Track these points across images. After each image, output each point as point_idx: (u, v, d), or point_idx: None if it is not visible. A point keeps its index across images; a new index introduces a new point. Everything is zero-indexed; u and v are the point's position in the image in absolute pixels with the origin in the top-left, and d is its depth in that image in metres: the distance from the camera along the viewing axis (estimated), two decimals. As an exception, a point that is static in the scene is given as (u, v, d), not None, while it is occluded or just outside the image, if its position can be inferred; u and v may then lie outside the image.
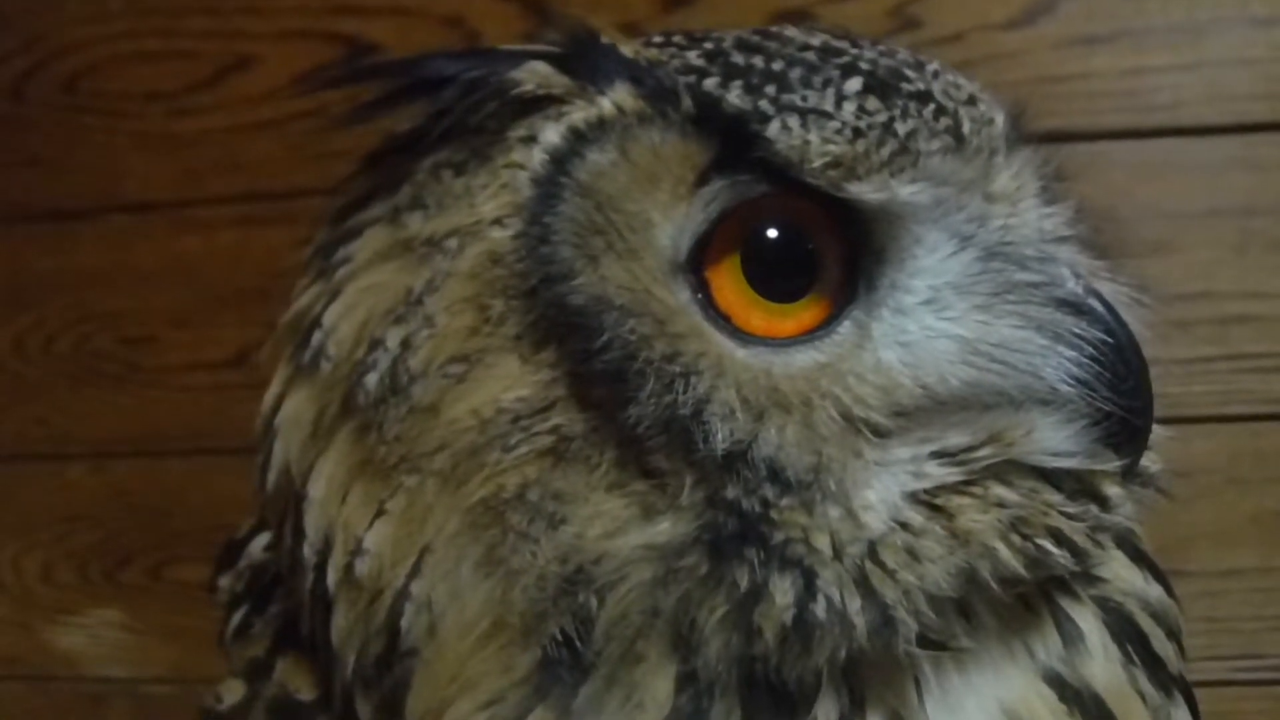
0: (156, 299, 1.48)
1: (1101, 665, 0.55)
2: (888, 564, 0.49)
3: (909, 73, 0.52)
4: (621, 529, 0.50)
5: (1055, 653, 0.54)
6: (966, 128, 0.52)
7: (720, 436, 0.49)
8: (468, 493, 0.51)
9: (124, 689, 1.51)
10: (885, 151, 0.50)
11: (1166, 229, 1.24)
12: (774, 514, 0.49)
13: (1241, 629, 1.25)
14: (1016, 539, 0.50)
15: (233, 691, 0.62)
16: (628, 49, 0.54)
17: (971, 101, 0.53)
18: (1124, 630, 0.56)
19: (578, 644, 0.50)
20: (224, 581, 0.70)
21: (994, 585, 0.50)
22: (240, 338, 1.43)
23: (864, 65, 0.52)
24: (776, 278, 0.51)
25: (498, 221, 0.52)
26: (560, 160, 0.51)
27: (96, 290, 1.50)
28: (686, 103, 0.51)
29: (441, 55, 0.55)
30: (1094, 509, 0.52)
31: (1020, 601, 0.54)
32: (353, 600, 0.53)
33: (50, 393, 1.52)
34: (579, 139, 0.51)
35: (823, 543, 0.49)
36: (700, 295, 0.51)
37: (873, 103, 0.51)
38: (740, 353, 0.50)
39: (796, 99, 0.50)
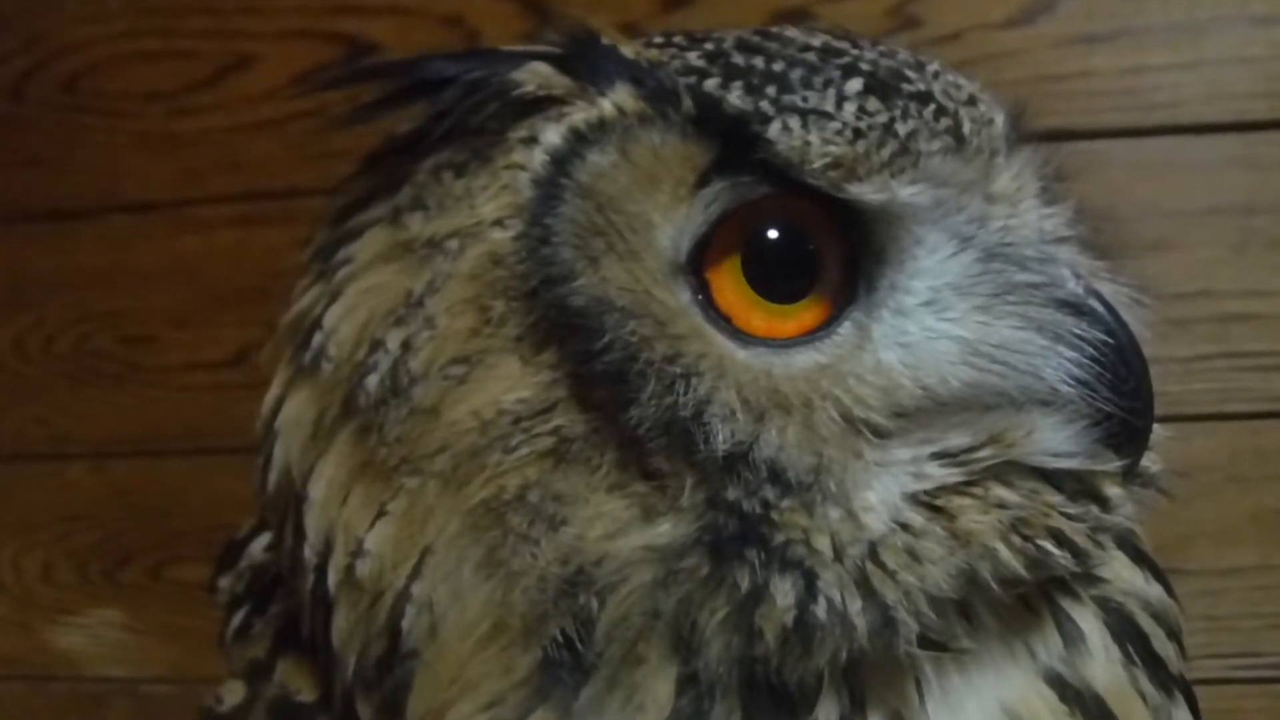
0: (156, 299, 1.48)
1: (1102, 665, 0.55)
2: (888, 565, 0.49)
3: (909, 73, 0.52)
4: (622, 530, 0.50)
5: (1056, 653, 0.54)
6: (967, 128, 0.52)
7: (721, 438, 0.49)
8: (469, 494, 0.51)
9: (124, 689, 1.51)
10: (886, 152, 0.50)
11: (1166, 227, 1.24)
12: (775, 515, 0.49)
13: (1241, 627, 1.25)
14: (1017, 540, 0.50)
15: (233, 692, 0.62)
16: (628, 50, 0.54)
17: (972, 102, 0.53)
18: (1125, 630, 0.56)
19: (578, 645, 0.50)
20: (224, 582, 0.70)
21: (995, 586, 0.50)
22: (240, 338, 1.43)
23: (865, 66, 0.52)
24: (777, 279, 0.51)
25: (498, 223, 0.52)
26: (561, 161, 0.51)
27: (96, 290, 1.50)
28: (687, 104, 0.51)
29: (442, 56, 0.55)
30: (1095, 510, 0.52)
31: (1021, 602, 0.54)
32: (353, 602, 0.53)
33: (50, 392, 1.52)
34: (579, 140, 0.51)
35: (823, 544, 0.49)
36: (701, 296, 0.51)
37: (873, 103, 0.50)
38: (741, 354, 0.50)
39: (797, 100, 0.50)
